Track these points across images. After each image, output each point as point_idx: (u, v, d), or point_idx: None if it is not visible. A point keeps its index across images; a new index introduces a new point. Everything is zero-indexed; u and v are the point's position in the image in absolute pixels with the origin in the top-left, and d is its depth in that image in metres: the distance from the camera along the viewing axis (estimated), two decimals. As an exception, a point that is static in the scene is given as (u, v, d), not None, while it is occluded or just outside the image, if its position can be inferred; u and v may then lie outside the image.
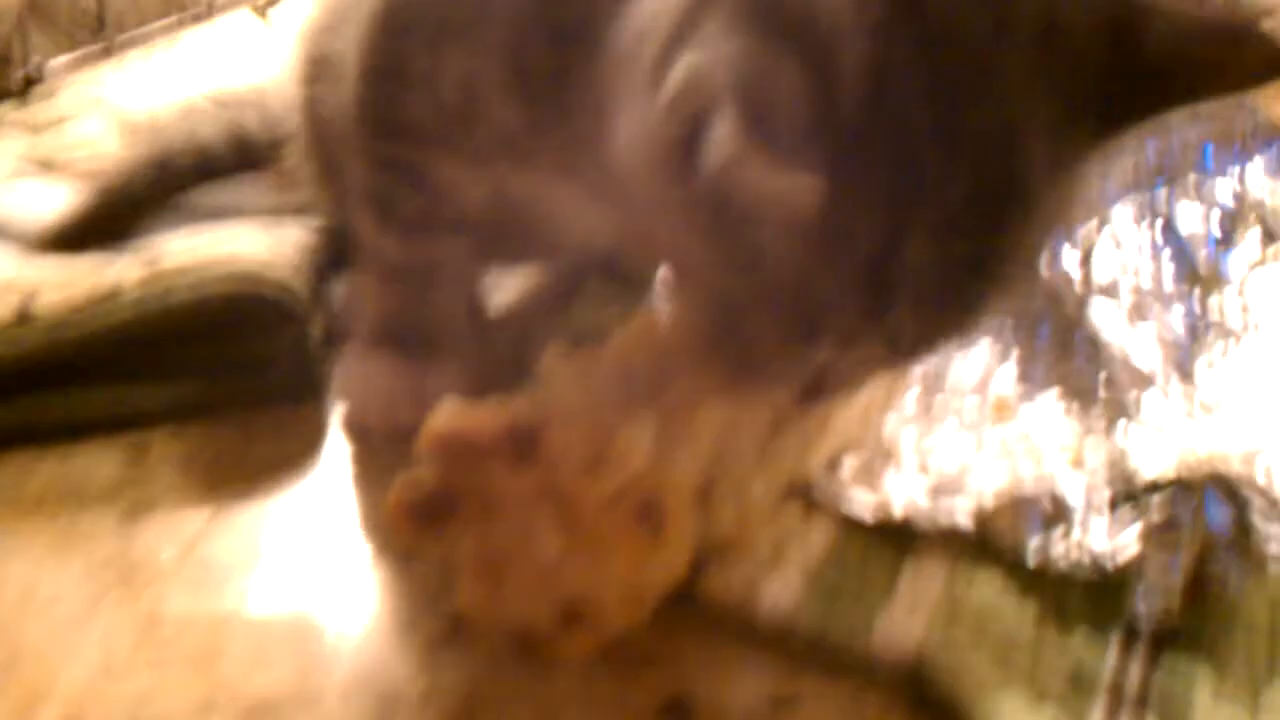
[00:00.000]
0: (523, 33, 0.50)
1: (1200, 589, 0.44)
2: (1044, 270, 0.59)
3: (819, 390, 0.47)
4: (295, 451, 0.58)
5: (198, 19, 1.05)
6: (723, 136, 0.38)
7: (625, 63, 0.44)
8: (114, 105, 0.87)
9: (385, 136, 0.57)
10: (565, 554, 0.44)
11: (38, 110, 0.87)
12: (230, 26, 1.07)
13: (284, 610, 0.49)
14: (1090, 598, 0.45)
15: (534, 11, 0.50)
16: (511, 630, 0.45)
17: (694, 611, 0.47)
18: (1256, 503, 0.44)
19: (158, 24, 1.02)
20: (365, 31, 0.56)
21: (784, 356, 0.46)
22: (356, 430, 0.59)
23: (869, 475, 0.51)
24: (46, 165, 0.79)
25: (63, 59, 0.92)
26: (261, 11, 1.09)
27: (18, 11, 0.92)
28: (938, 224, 0.40)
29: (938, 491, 0.49)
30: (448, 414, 0.45)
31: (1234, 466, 0.45)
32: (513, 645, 0.46)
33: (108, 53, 0.96)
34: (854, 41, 0.39)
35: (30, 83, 0.90)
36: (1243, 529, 0.44)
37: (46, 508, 0.54)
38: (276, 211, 0.70)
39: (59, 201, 0.72)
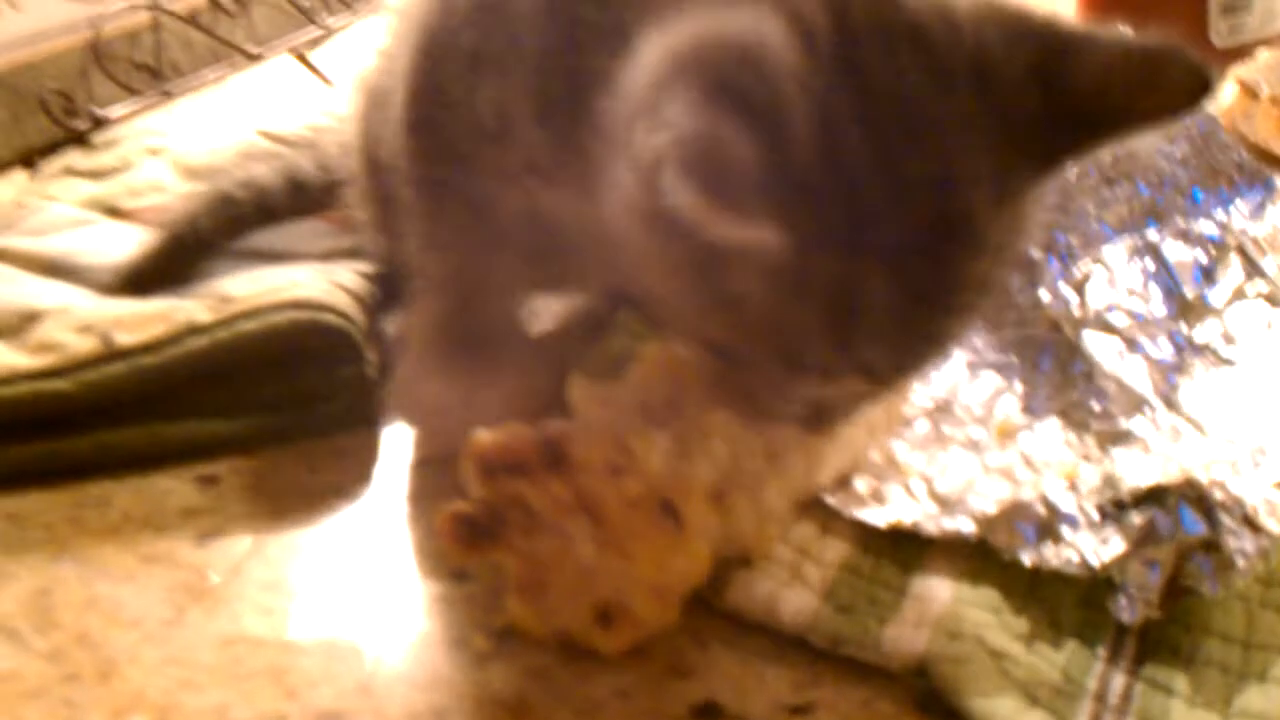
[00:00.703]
0: (543, 67, 0.54)
1: (1177, 596, 0.47)
2: (1045, 303, 0.63)
3: (819, 421, 0.51)
4: (354, 478, 0.62)
5: (244, 65, 1.10)
6: (682, 202, 0.41)
7: (611, 127, 0.47)
8: (172, 150, 0.90)
9: (430, 157, 0.60)
10: (598, 558, 0.47)
11: (101, 156, 0.91)
12: (274, 71, 1.11)
13: (347, 627, 0.52)
14: (1079, 614, 0.48)
15: (554, 50, 0.53)
16: (556, 635, 0.49)
17: (722, 623, 0.50)
18: (1226, 519, 0.47)
19: (207, 71, 1.07)
20: (411, 60, 0.60)
21: (778, 391, 0.49)
22: (422, 454, 0.62)
23: (880, 496, 0.55)
24: (111, 210, 0.83)
25: (123, 107, 0.97)
26: (302, 56, 1.14)
27: (81, 62, 0.97)
28: (891, 263, 0.44)
29: (944, 509, 0.53)
30: (486, 435, 0.49)
31: (1208, 483, 0.48)
32: (557, 652, 0.49)
33: (165, 100, 1.00)
34: (801, 104, 0.42)
35: (93, 130, 0.94)
36: (1215, 542, 0.47)
37: (127, 533, 0.58)
38: (331, 255, 0.74)
39: (126, 245, 0.76)
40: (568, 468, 0.47)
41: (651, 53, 0.45)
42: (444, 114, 0.58)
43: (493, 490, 0.48)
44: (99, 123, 0.95)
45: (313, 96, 1.05)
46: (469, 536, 0.49)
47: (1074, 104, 0.45)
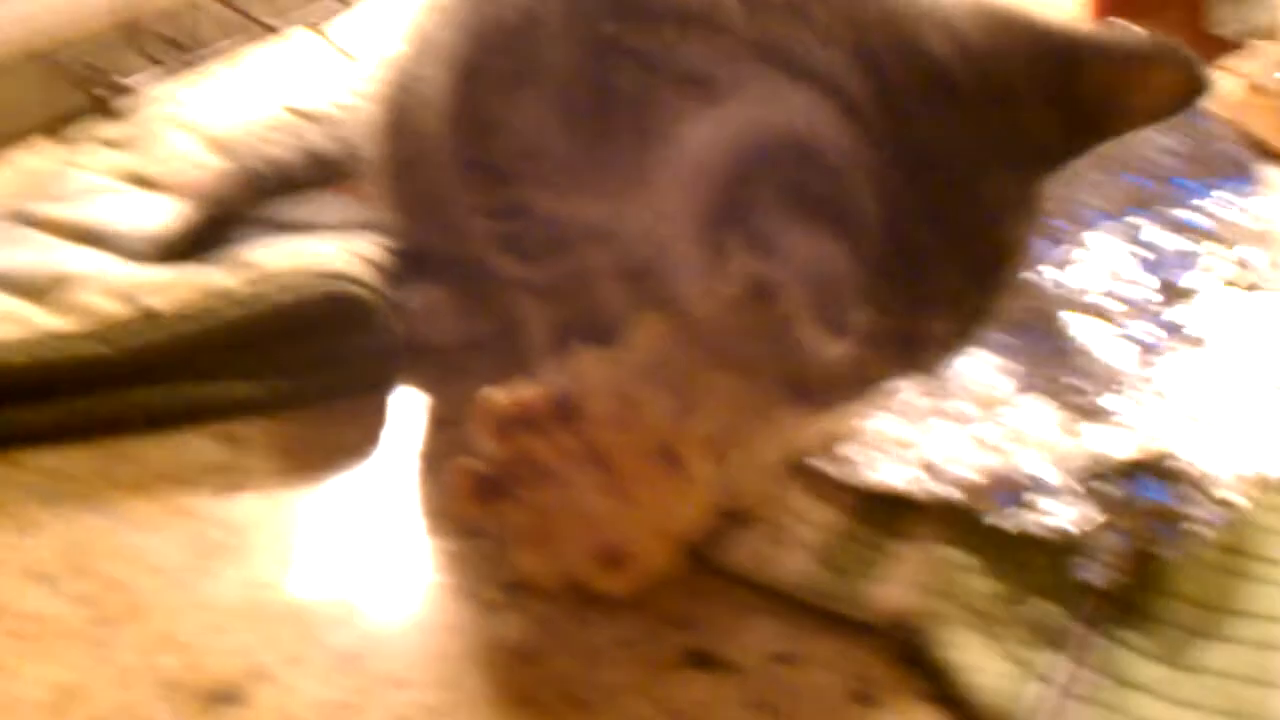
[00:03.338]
0: (569, 83, 0.56)
1: (1143, 561, 0.50)
2: (1034, 285, 0.66)
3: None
4: (370, 439, 0.65)
5: (262, 37, 1.13)
6: (806, 335, 0.46)
7: (672, 180, 0.51)
8: (196, 121, 0.93)
9: (485, 188, 0.62)
10: (603, 504, 0.50)
11: (128, 127, 0.94)
12: (296, 45, 1.14)
13: (363, 577, 0.55)
14: (1051, 576, 0.51)
15: (576, 68, 0.56)
16: (563, 580, 0.51)
17: (716, 577, 0.53)
18: (1191, 491, 0.50)
19: (227, 42, 1.09)
20: (450, 92, 0.62)
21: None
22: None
23: (871, 464, 0.58)
24: (140, 179, 0.86)
25: (149, 77, 1.00)
26: (320, 30, 1.16)
27: (111, 35, 0.99)
28: (949, 301, 0.49)
29: (931, 476, 0.56)
30: (499, 393, 0.52)
31: (1176, 458, 0.51)
32: (562, 604, 0.51)
33: (187, 71, 1.03)
34: (866, 191, 0.46)
35: (117, 98, 0.97)
36: (1180, 512, 0.49)
37: (154, 487, 0.61)
38: (350, 226, 0.77)
39: (155, 214, 0.79)
40: (579, 421, 0.49)
41: (708, 136, 0.49)
42: (490, 138, 0.60)
43: (504, 446, 0.51)
44: (124, 93, 0.97)
45: (335, 71, 1.08)
46: (480, 490, 0.51)
47: (1083, 112, 0.49)
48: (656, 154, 0.52)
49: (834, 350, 0.49)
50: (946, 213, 0.47)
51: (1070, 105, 0.48)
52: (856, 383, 0.53)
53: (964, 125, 0.48)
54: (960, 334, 0.51)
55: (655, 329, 0.57)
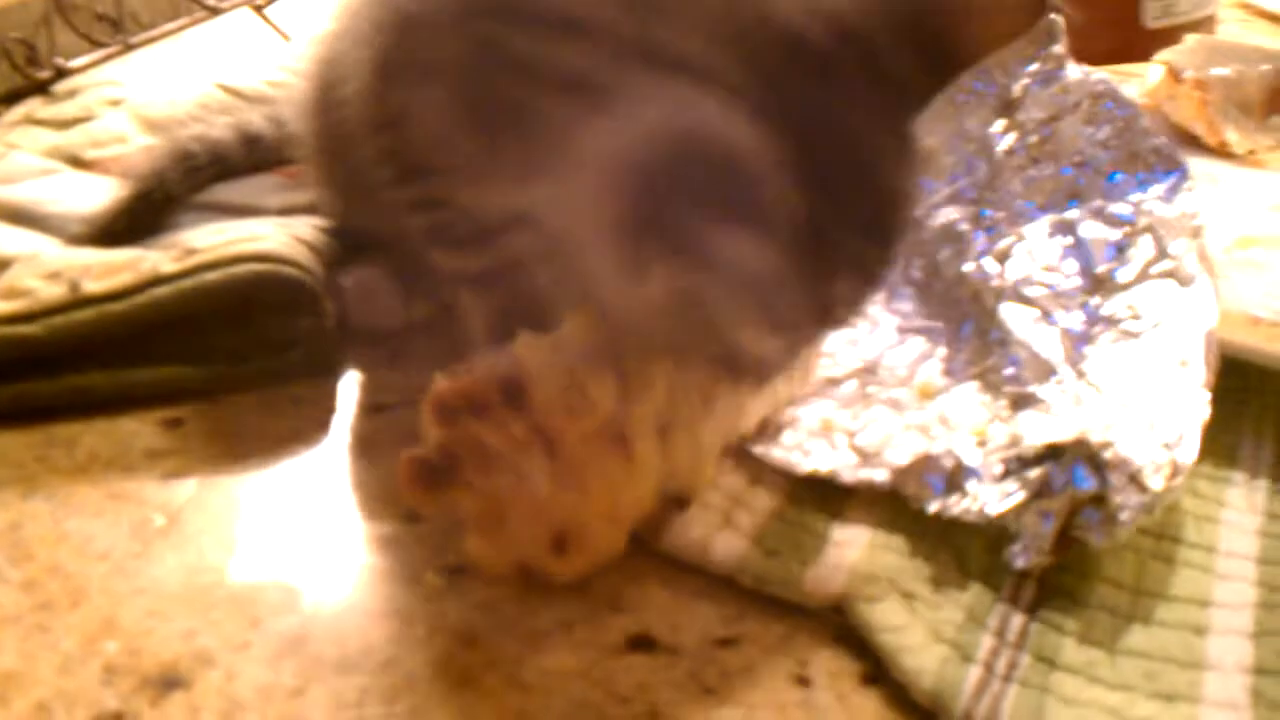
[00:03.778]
0: (461, 79, 0.56)
1: (1068, 545, 0.51)
2: (969, 274, 0.68)
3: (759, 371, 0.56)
4: (311, 424, 0.65)
5: (203, 18, 1.12)
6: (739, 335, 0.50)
7: (576, 190, 0.51)
8: (133, 102, 0.93)
9: (406, 180, 0.62)
10: (553, 490, 0.51)
11: (63, 106, 0.93)
12: (233, 24, 1.13)
13: (306, 563, 0.55)
14: (984, 560, 0.52)
15: (465, 64, 0.56)
16: (513, 566, 0.52)
17: (657, 561, 0.54)
18: (1115, 477, 0.51)
19: (166, 23, 1.08)
20: (365, 86, 0.61)
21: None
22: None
23: (804, 449, 0.58)
24: (74, 160, 0.86)
25: (84, 58, 0.99)
26: (260, 10, 1.16)
27: (43, 12, 0.98)
28: (852, 253, 0.51)
29: (862, 461, 0.57)
30: (445, 380, 0.52)
31: (1100, 444, 0.52)
32: (504, 588, 0.52)
33: (125, 51, 1.02)
34: (776, 181, 0.48)
35: (55, 80, 0.96)
36: (1104, 497, 0.50)
37: (94, 472, 0.61)
38: (290, 209, 0.77)
39: (90, 195, 0.79)
40: (527, 406, 0.50)
41: (607, 147, 0.49)
42: (406, 134, 0.60)
43: (450, 433, 0.51)
44: (61, 72, 0.97)
45: (270, 51, 1.07)
46: (427, 479, 0.52)
47: (938, 49, 0.52)
48: (550, 159, 0.53)
49: (768, 344, 0.51)
50: (835, 178, 0.49)
51: (925, 46, 0.51)
52: (785, 359, 0.55)
53: (835, 89, 0.50)
54: (866, 287, 0.53)
55: (594, 314, 0.57)
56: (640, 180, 0.48)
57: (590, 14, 0.52)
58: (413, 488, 0.52)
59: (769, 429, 0.60)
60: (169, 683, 0.49)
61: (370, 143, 0.62)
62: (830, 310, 0.53)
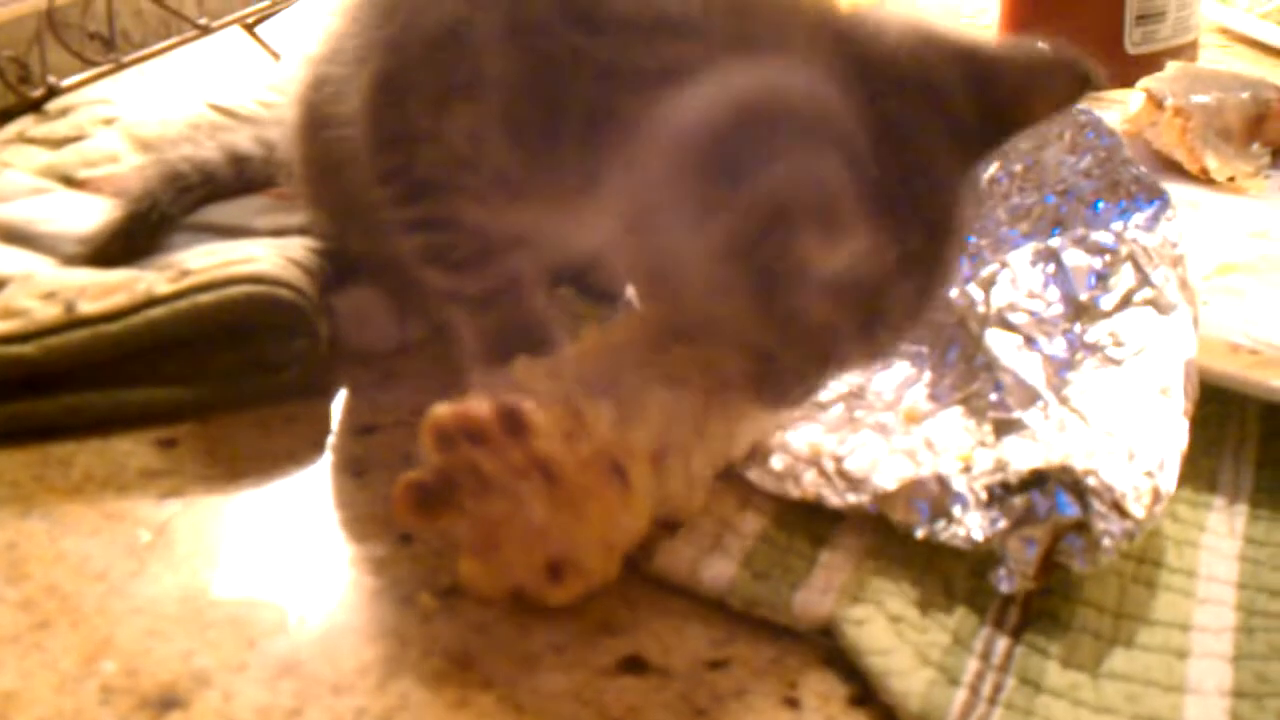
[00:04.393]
0: (514, 94, 0.57)
1: (1051, 571, 0.52)
2: (955, 300, 0.69)
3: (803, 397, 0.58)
4: (305, 444, 0.65)
5: (194, 36, 1.12)
6: (806, 243, 0.50)
7: (655, 143, 0.53)
8: (125, 121, 0.93)
9: (409, 200, 0.62)
10: (550, 517, 0.51)
11: (55, 124, 0.93)
12: (225, 43, 1.14)
13: (301, 583, 0.56)
14: (970, 584, 0.53)
15: (522, 78, 0.57)
16: (507, 591, 0.52)
17: (649, 585, 0.54)
18: (1097, 504, 0.52)
19: (157, 42, 1.09)
20: (367, 104, 0.62)
21: (793, 380, 0.57)
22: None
23: (794, 473, 0.59)
24: (67, 179, 0.86)
25: (76, 76, 0.99)
26: (250, 29, 1.16)
27: (36, 30, 0.99)
28: (909, 265, 0.53)
29: (850, 486, 0.58)
30: (444, 407, 0.52)
31: (1083, 471, 0.53)
32: (498, 609, 0.53)
33: (117, 70, 1.03)
34: (859, 135, 0.51)
35: (47, 98, 0.97)
36: (1086, 524, 0.51)
37: (90, 492, 0.61)
38: (282, 230, 0.78)
39: (83, 214, 0.79)
40: (525, 434, 0.51)
41: (702, 103, 0.52)
42: (415, 153, 0.61)
43: (448, 459, 0.52)
44: (53, 91, 0.97)
45: (261, 70, 1.08)
46: (423, 503, 0.52)
47: (997, 108, 0.56)
48: (615, 154, 0.55)
49: (820, 303, 0.52)
50: (909, 181, 0.53)
51: (989, 103, 0.55)
52: (821, 360, 0.57)
53: (913, 112, 0.53)
54: (922, 296, 0.56)
55: (592, 343, 0.58)
56: (732, 119, 0.51)
57: (686, 13, 0.55)
58: (409, 511, 0.53)
59: (758, 453, 0.60)
60: (167, 703, 0.49)
61: (373, 162, 0.63)
62: (886, 305, 0.54)
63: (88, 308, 0.67)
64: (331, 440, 0.66)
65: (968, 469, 0.57)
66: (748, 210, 0.50)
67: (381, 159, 0.63)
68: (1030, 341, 0.64)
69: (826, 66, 0.53)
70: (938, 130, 0.54)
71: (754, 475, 0.59)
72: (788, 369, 0.56)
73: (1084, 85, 0.57)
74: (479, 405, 0.51)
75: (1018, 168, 0.73)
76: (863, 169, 0.50)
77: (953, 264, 0.57)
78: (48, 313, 0.67)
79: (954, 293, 0.68)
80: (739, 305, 0.53)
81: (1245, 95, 0.97)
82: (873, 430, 0.62)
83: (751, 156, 0.50)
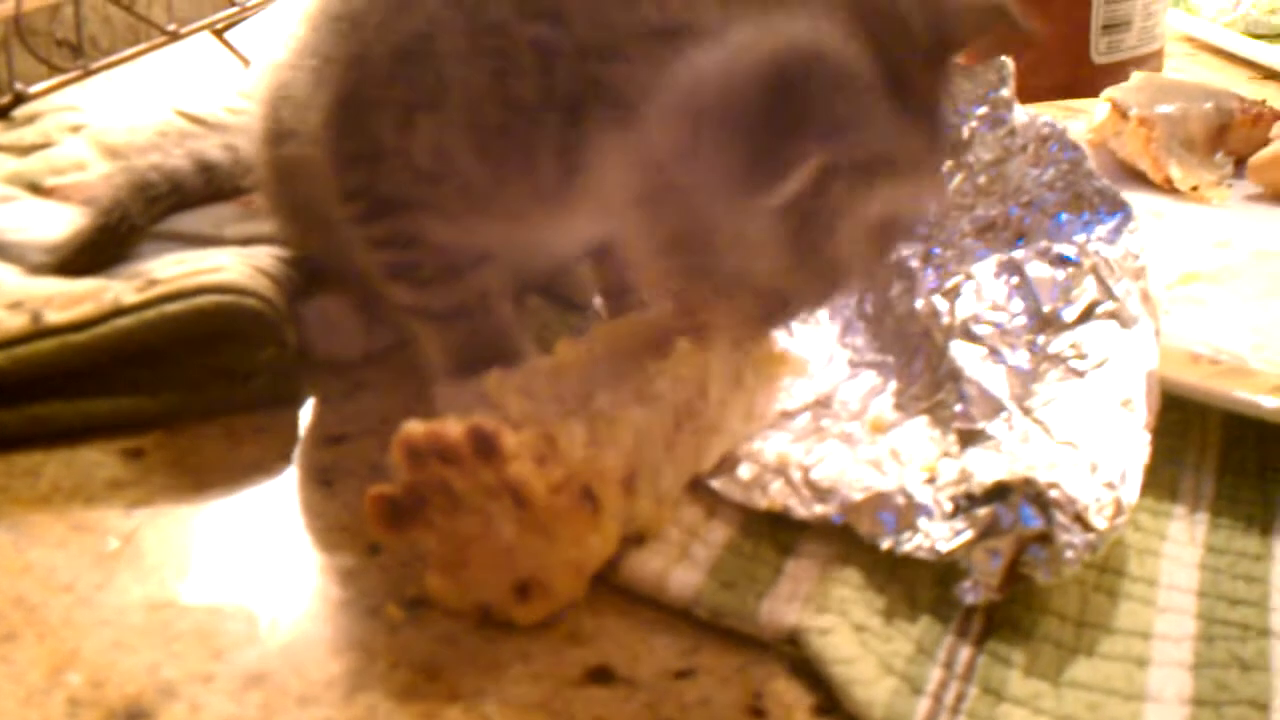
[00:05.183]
0: (479, 101, 0.57)
1: (1015, 581, 0.52)
2: (919, 310, 0.69)
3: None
4: (273, 454, 0.65)
5: (163, 43, 1.12)
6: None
7: (679, 103, 0.53)
8: (93, 128, 0.93)
9: (375, 217, 0.62)
10: (519, 538, 0.51)
11: (22, 132, 0.93)
12: (193, 50, 1.13)
13: (268, 595, 0.56)
14: (933, 594, 0.54)
15: (486, 83, 0.57)
16: (474, 608, 0.53)
17: (616, 596, 0.55)
18: (1060, 515, 0.52)
19: (126, 49, 1.08)
20: (329, 123, 0.62)
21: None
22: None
23: (761, 483, 0.60)
24: (34, 186, 0.86)
25: (43, 83, 0.99)
26: (220, 35, 1.16)
27: (3, 37, 0.98)
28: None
29: (816, 496, 0.58)
30: (417, 425, 0.52)
31: (1046, 483, 0.53)
32: (465, 621, 0.53)
33: (85, 77, 1.02)
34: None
35: (14, 105, 0.96)
36: (1049, 535, 0.52)
37: (56, 502, 0.61)
38: (250, 239, 0.78)
39: (50, 222, 0.79)
40: (497, 457, 0.51)
41: (735, 60, 0.52)
42: (379, 170, 0.61)
43: (419, 475, 0.52)
44: (20, 98, 0.97)
45: (230, 76, 1.08)
46: (392, 516, 0.52)
47: (951, 36, 0.58)
48: (610, 130, 0.55)
49: (852, 243, 0.55)
50: (912, 110, 0.54)
51: (944, 36, 0.58)
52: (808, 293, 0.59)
53: (910, 54, 0.55)
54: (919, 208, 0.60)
55: (567, 356, 0.59)
56: (772, 85, 0.51)
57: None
58: (378, 525, 0.53)
59: (726, 462, 0.61)
60: (133, 715, 0.49)
61: (336, 180, 0.63)
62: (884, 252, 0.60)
63: (55, 317, 0.66)
64: (299, 450, 0.66)
65: (933, 479, 0.58)
66: (799, 162, 0.51)
67: (345, 177, 0.63)
68: (994, 353, 0.65)
69: (842, 20, 0.53)
70: (919, 65, 0.56)
71: (721, 485, 0.60)
72: (798, 302, 0.59)
73: (999, 14, 0.60)
74: (451, 426, 0.51)
75: (981, 179, 0.74)
76: (890, 116, 0.52)
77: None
78: (14, 322, 0.66)
79: (919, 303, 0.69)
80: (773, 251, 0.55)
81: (1209, 105, 0.98)
82: (839, 440, 0.63)
83: (801, 110, 0.51)
